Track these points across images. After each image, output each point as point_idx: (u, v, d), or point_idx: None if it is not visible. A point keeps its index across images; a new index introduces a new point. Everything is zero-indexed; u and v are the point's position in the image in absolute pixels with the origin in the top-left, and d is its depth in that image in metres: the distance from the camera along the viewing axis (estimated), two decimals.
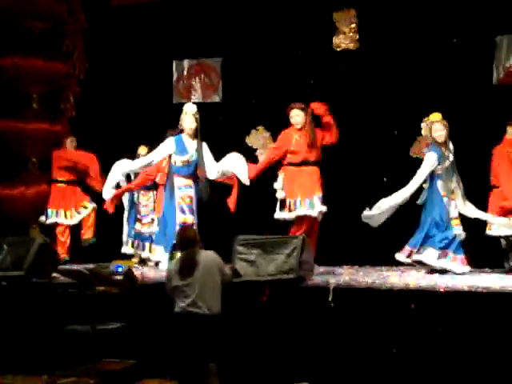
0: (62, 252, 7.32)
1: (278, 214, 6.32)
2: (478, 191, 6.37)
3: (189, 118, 6.46)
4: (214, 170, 6.44)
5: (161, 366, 5.02)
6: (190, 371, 4.59)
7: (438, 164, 5.95)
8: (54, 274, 5.73)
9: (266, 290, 5.14)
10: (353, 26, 7.54)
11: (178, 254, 5.07)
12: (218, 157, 6.59)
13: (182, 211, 6.35)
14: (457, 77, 7.04)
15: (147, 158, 6.66)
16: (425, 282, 5.27)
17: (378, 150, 7.30)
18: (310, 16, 7.55)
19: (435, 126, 5.99)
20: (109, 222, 7.40)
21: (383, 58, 7.34)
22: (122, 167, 6.83)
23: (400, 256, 6.03)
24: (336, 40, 7.56)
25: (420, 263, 5.98)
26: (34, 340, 5.36)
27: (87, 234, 7.62)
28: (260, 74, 7.80)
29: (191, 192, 6.44)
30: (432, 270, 5.90)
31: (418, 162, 6.15)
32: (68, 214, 7.58)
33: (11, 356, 5.34)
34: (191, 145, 6.49)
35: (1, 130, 8.03)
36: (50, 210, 7.58)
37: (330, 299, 4.93)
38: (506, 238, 6.29)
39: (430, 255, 5.88)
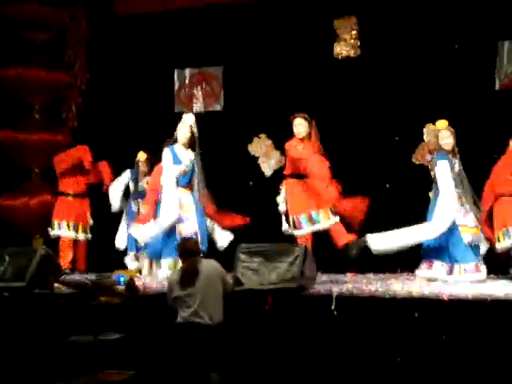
0: (64, 264, 7.23)
1: (285, 228, 6.20)
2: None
3: (185, 127, 6.43)
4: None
5: (162, 377, 4.99)
6: (191, 381, 4.56)
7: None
8: (56, 285, 5.71)
9: (269, 299, 5.11)
10: (354, 33, 7.54)
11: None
12: (220, 166, 6.59)
13: (180, 220, 6.31)
14: (459, 83, 7.02)
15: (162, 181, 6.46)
16: (428, 289, 5.22)
17: (380, 156, 7.27)
18: (310, 24, 7.55)
19: (442, 134, 5.90)
20: (113, 230, 7.37)
21: (384, 64, 7.33)
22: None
23: (421, 272, 5.93)
24: (337, 47, 7.55)
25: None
26: (35, 351, 5.35)
27: (79, 265, 7.47)
28: (261, 82, 7.80)
29: (189, 201, 6.41)
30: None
31: (420, 167, 6.12)
32: (71, 226, 7.42)
33: (12, 367, 5.32)
34: (185, 155, 6.44)
35: (3, 141, 8.06)
36: (55, 222, 7.44)
37: (332, 308, 4.90)
38: None
39: (439, 269, 5.81)
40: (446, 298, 4.76)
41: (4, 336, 5.47)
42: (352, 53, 7.51)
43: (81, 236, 7.49)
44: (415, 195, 6.60)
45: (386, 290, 5.24)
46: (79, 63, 8.13)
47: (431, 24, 7.18)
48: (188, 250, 4.83)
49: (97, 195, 7.61)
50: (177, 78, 8.36)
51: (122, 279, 5.19)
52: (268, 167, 7.89)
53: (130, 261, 7.32)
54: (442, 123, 5.94)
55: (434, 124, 6.17)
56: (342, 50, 7.55)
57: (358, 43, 7.49)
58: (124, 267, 7.16)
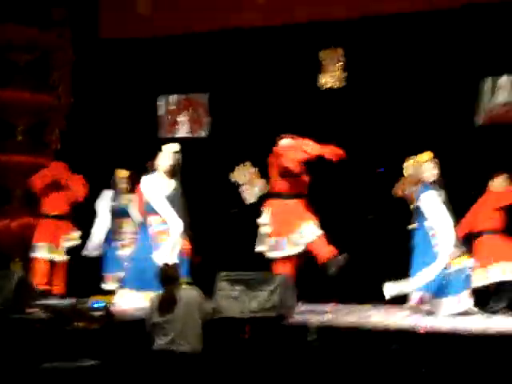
0: (39, 285, 7.08)
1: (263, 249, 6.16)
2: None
3: (166, 156, 6.33)
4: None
5: None
6: None
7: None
8: (32, 310, 5.63)
9: (247, 329, 5.08)
10: (339, 64, 7.61)
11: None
12: (204, 192, 6.58)
13: (158, 249, 6.19)
14: (441, 117, 7.09)
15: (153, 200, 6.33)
16: (407, 322, 5.22)
17: (362, 187, 7.30)
18: (296, 53, 7.62)
19: (426, 165, 5.92)
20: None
21: (368, 97, 7.39)
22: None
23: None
24: (322, 78, 7.62)
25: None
26: (8, 377, 5.24)
27: (58, 288, 7.34)
28: (246, 110, 7.83)
29: (167, 228, 6.31)
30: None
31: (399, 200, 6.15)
32: (46, 247, 7.29)
33: None
34: (166, 184, 6.29)
35: None
36: (35, 245, 7.33)
37: (309, 339, 4.87)
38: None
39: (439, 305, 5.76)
40: (422, 331, 4.75)
41: None
42: (337, 84, 7.58)
43: (57, 257, 7.37)
44: (396, 227, 6.63)
45: (365, 321, 5.23)
46: (64, 86, 8.12)
47: (415, 59, 7.27)
48: (168, 277, 4.80)
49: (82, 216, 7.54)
50: (162, 104, 8.37)
51: (96, 305, 5.13)
52: (251, 195, 7.90)
53: (110, 282, 7.20)
54: (427, 155, 5.97)
55: (415, 156, 6.22)
56: (326, 81, 7.61)
57: (344, 75, 7.56)
58: (102, 292, 7.08)
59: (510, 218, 6.33)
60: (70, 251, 7.46)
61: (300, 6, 7.59)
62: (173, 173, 6.36)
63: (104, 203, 7.34)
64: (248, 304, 5.26)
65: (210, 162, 7.84)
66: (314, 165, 6.61)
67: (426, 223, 5.85)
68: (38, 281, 7.12)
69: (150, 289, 5.68)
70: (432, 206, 5.80)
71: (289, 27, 7.64)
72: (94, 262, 7.38)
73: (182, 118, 8.30)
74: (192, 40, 8.05)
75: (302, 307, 5.97)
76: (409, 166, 6.24)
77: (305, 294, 5.99)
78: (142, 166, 6.89)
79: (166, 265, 5.05)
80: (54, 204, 7.42)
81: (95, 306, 5.17)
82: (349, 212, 7.27)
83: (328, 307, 6.30)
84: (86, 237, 7.39)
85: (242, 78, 7.85)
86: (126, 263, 6.68)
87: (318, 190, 6.53)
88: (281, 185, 6.12)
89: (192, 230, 6.33)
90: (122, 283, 6.37)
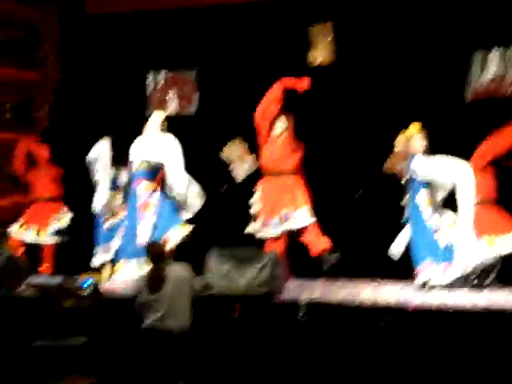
0: None
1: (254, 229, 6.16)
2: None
3: (152, 127, 6.32)
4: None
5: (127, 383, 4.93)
6: None
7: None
8: (21, 288, 5.62)
9: (237, 306, 5.08)
10: (329, 39, 7.52)
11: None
12: (192, 170, 6.56)
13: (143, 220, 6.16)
14: (431, 92, 7.04)
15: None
16: (395, 298, 5.22)
17: (351, 164, 7.26)
18: (285, 28, 7.53)
19: (416, 137, 5.93)
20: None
21: (357, 72, 7.33)
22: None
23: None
24: (311, 54, 7.53)
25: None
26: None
27: (46, 268, 7.30)
28: (235, 86, 7.75)
29: (156, 198, 6.24)
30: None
31: (390, 176, 6.12)
32: (25, 227, 7.29)
33: None
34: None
35: None
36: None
37: (300, 315, 4.88)
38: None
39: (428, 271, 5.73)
40: (410, 308, 4.76)
41: None
42: (327, 59, 7.49)
43: (41, 239, 7.33)
44: (387, 204, 6.62)
45: (354, 297, 5.23)
46: (51, 62, 8.03)
47: (405, 33, 7.19)
48: (155, 255, 4.79)
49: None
50: (150, 81, 8.27)
51: (85, 284, 5.12)
52: (242, 171, 7.84)
53: (101, 253, 7.07)
54: (414, 127, 5.96)
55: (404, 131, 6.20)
56: (316, 57, 7.53)
57: (333, 49, 7.48)
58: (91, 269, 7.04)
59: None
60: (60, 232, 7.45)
61: None
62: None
63: (103, 153, 7.20)
64: (237, 281, 5.27)
65: (198, 139, 7.78)
66: (306, 141, 6.61)
67: (417, 197, 5.83)
68: None
69: (143, 255, 5.75)
70: (428, 166, 5.78)
71: (277, 2, 7.55)
72: (82, 240, 7.37)
73: (171, 95, 8.21)
74: (180, 15, 7.95)
75: (293, 283, 5.98)
76: (400, 141, 6.20)
77: (295, 270, 6.00)
78: (130, 144, 6.87)
79: (153, 242, 5.04)
80: (43, 187, 7.44)
81: (83, 285, 5.15)
82: (341, 188, 7.24)
83: (317, 283, 6.31)
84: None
85: (230, 53, 7.75)
86: (119, 232, 6.64)
87: (309, 166, 6.51)
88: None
89: None
90: (116, 255, 6.39)
